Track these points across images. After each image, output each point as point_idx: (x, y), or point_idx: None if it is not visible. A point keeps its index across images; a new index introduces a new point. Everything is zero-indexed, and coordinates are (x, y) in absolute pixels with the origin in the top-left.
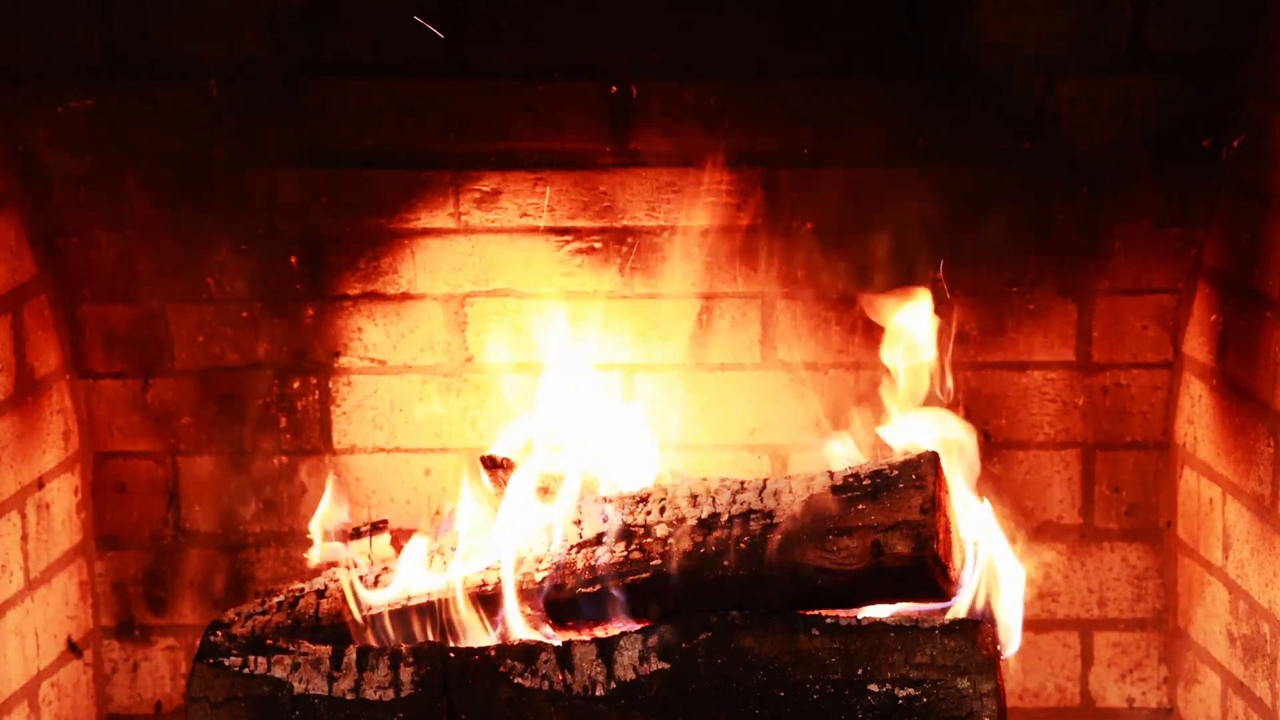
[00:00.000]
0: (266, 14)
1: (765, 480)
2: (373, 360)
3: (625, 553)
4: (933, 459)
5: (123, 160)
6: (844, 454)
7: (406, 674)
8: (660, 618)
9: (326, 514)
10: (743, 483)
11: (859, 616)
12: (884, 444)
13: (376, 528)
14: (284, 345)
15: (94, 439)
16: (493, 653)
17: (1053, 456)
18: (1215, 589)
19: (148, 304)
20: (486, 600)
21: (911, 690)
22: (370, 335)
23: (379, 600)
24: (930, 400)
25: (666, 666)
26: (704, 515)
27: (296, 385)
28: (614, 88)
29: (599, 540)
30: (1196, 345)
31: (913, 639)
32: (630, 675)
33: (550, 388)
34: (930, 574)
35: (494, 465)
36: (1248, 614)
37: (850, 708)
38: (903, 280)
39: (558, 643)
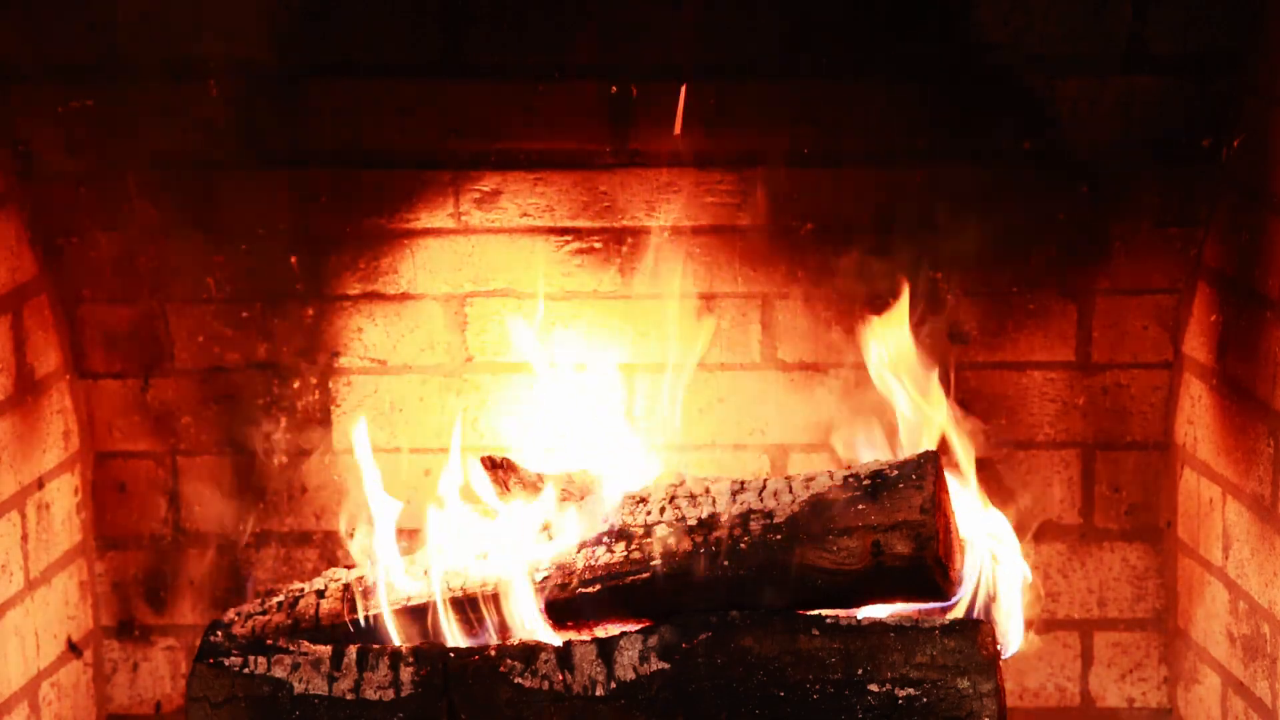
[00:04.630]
0: (267, 14)
1: (765, 480)
2: (373, 360)
3: (625, 553)
4: (933, 458)
5: (123, 160)
6: (844, 453)
7: (406, 674)
8: (660, 618)
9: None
10: (743, 483)
11: (859, 616)
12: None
13: None
14: (284, 345)
15: (94, 439)
16: (493, 653)
17: (1053, 456)
18: (1215, 589)
19: (148, 304)
20: (487, 600)
21: (911, 690)
22: (370, 335)
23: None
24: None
25: (666, 666)
26: (704, 515)
27: (296, 385)
28: (614, 88)
29: (599, 540)
30: (1196, 345)
31: (913, 639)
32: (630, 675)
33: (550, 388)
34: (930, 574)
35: (494, 465)
36: (1248, 614)
37: (850, 708)
38: (902, 279)
39: (558, 643)
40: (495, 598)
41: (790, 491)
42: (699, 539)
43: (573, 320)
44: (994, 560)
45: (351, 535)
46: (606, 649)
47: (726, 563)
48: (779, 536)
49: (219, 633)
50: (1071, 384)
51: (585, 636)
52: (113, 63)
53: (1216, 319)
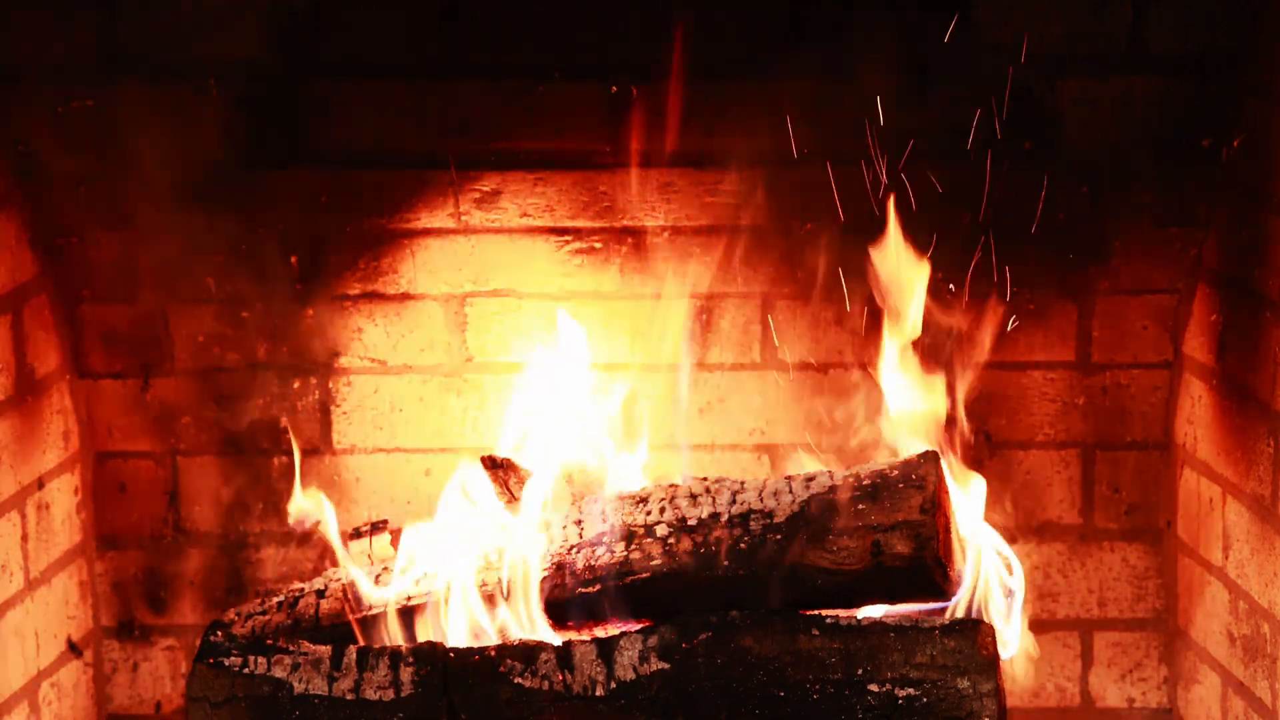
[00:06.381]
0: (266, 14)
1: (765, 480)
2: (373, 360)
3: (625, 553)
4: (933, 459)
5: (123, 160)
6: (843, 453)
7: (406, 674)
8: (660, 618)
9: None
10: (743, 483)
11: (859, 616)
12: (884, 444)
13: (376, 528)
14: (284, 345)
15: (94, 439)
16: (493, 653)
17: (1053, 456)
18: (1215, 589)
19: (148, 304)
20: (487, 600)
21: (911, 690)
22: (370, 335)
23: (380, 599)
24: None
25: (666, 666)
26: (704, 515)
27: (296, 385)
28: (614, 88)
29: (599, 540)
30: (1196, 345)
31: (913, 639)
32: (630, 675)
33: (550, 388)
34: (930, 574)
35: (494, 465)
36: (1248, 614)
37: (850, 708)
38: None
39: (558, 643)
40: (495, 597)
41: (790, 491)
42: (699, 539)
43: (572, 320)
44: (995, 560)
45: (357, 534)
46: (606, 649)
47: (726, 563)
48: (779, 536)
49: (219, 633)
50: (1071, 384)
51: (585, 636)
52: (113, 63)
53: (1216, 319)
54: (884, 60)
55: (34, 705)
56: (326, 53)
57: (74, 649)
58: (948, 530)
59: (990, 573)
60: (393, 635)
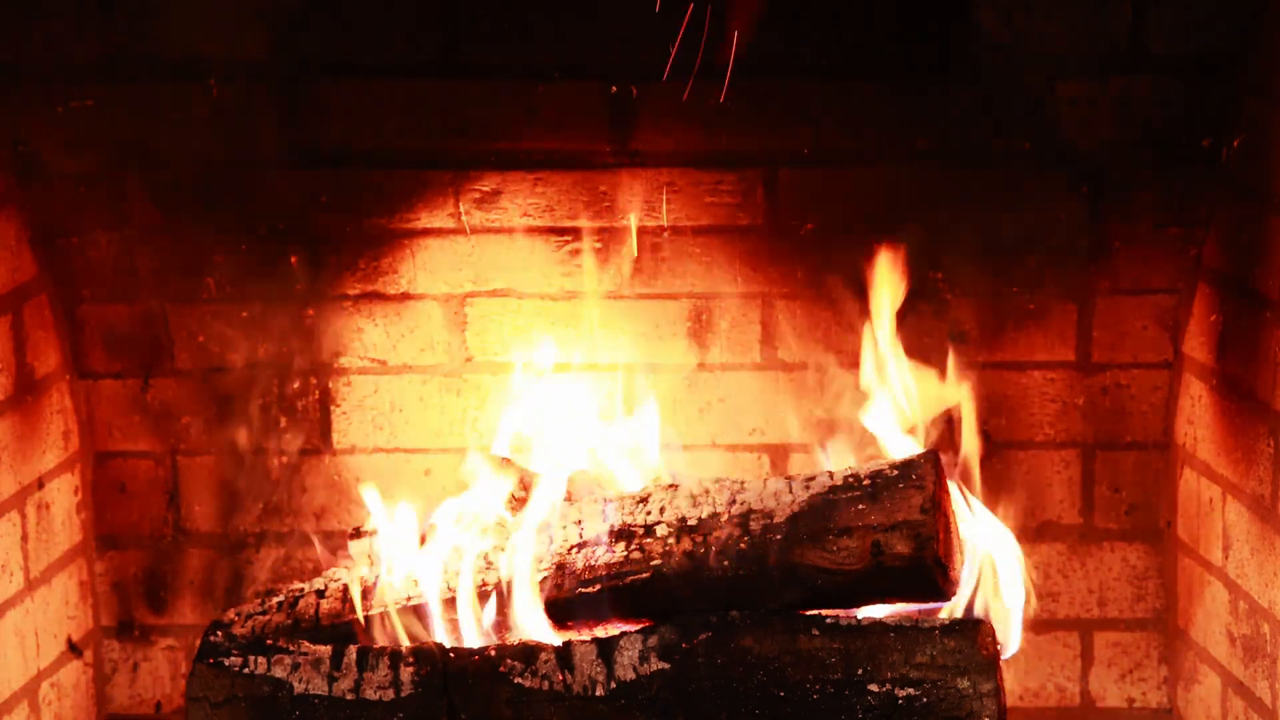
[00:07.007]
0: (266, 14)
1: (765, 480)
2: (373, 360)
3: (625, 553)
4: (933, 459)
5: (123, 160)
6: (843, 454)
7: (406, 674)
8: (660, 618)
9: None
10: (743, 483)
11: (859, 616)
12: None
13: None
14: (284, 345)
15: (94, 439)
16: (493, 653)
17: (1053, 456)
18: (1215, 589)
19: (148, 304)
20: (487, 600)
21: (911, 690)
22: (370, 335)
23: (379, 599)
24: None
25: (666, 666)
26: (704, 515)
27: (296, 385)
28: (614, 88)
29: (599, 540)
30: (1196, 345)
31: (913, 639)
32: (630, 675)
33: (550, 388)
34: (930, 574)
35: None
36: (1248, 614)
37: (850, 708)
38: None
39: (558, 643)
40: (495, 597)
41: (790, 491)
42: (699, 539)
43: (572, 320)
44: (993, 560)
45: (356, 534)
46: (606, 649)
47: (726, 563)
48: (779, 536)
49: (219, 633)
50: (1071, 384)
51: (585, 636)
52: (113, 63)
53: (1216, 319)
54: (884, 60)
55: (34, 705)
56: (326, 52)
57: (74, 649)
58: (948, 530)
59: (990, 571)
60: (393, 635)
